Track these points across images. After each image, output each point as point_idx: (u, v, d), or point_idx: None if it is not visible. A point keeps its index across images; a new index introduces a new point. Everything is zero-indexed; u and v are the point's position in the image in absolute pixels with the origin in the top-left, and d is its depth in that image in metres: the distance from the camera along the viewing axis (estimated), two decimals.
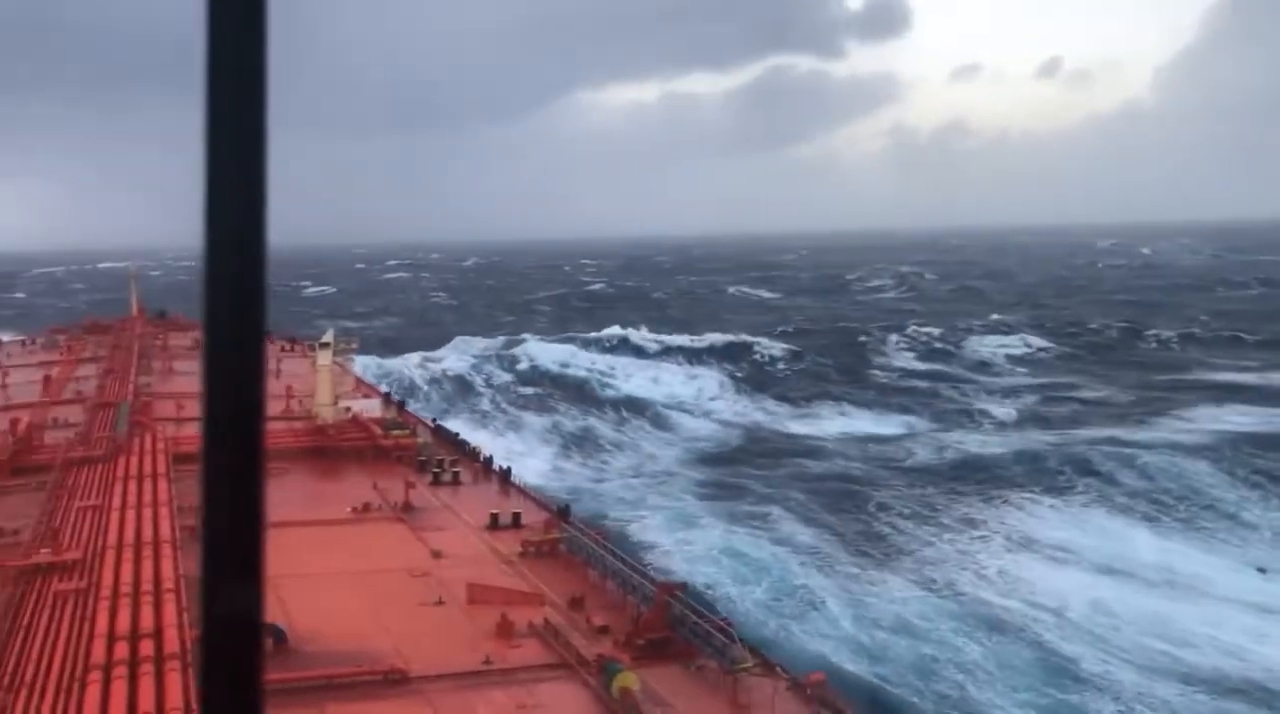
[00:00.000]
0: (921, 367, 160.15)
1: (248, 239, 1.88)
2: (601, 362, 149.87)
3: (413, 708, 33.14)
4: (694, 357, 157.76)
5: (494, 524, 52.93)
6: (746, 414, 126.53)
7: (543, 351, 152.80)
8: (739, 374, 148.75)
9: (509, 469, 64.84)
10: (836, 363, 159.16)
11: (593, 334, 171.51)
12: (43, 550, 42.34)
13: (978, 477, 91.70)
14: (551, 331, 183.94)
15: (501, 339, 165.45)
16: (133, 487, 51.66)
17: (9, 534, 47.74)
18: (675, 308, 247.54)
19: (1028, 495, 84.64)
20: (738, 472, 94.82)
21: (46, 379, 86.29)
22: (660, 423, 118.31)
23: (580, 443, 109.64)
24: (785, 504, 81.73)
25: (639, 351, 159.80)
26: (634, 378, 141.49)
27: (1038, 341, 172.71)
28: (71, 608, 36.72)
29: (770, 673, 36.90)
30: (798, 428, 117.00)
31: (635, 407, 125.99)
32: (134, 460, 56.84)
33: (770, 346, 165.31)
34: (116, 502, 48.92)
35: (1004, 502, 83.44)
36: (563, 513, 54.02)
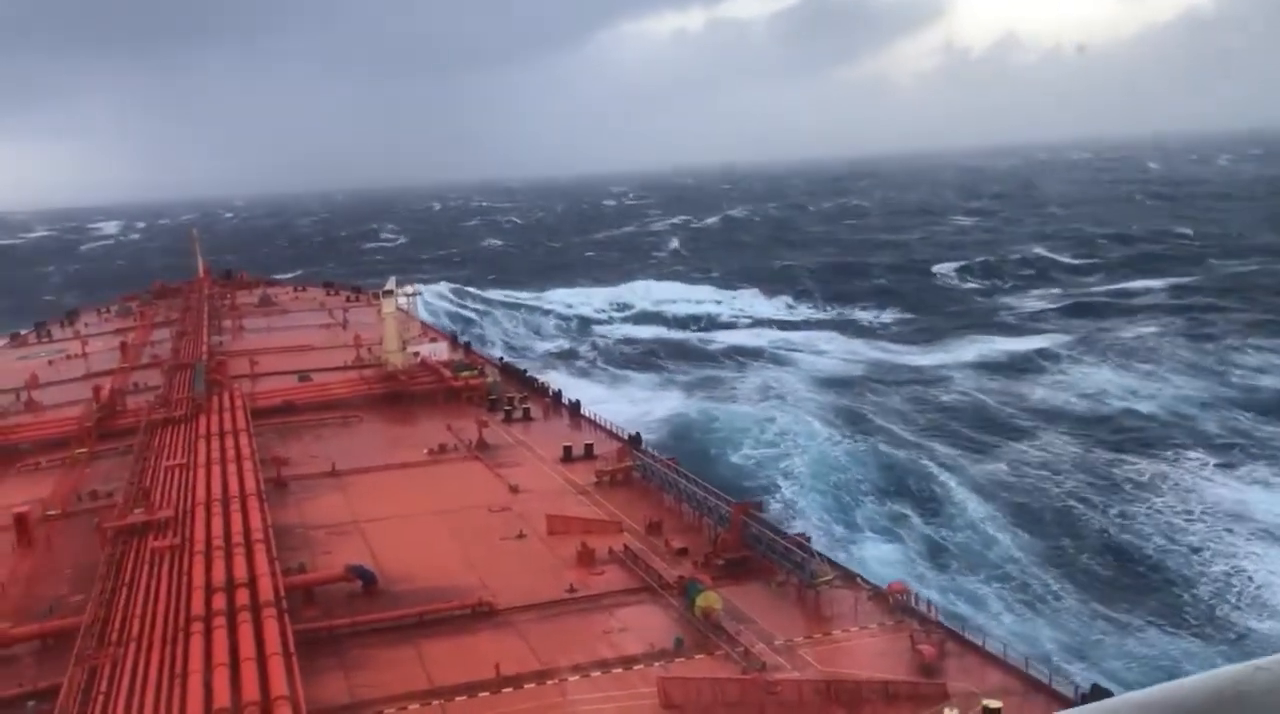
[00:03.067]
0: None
1: None
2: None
3: (503, 639, 33.95)
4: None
5: (567, 457, 53.61)
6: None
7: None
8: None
9: (578, 402, 65.37)
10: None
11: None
12: (136, 510, 43.85)
13: None
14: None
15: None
16: (215, 443, 53.08)
17: (103, 496, 49.46)
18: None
19: None
20: None
21: (123, 345, 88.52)
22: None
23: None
24: None
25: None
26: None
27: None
28: (168, 563, 38.06)
29: (851, 585, 37.14)
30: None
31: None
32: (214, 418, 58.29)
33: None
34: (201, 459, 50.33)
35: None
36: (634, 441, 54.48)
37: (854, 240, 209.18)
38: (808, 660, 31.79)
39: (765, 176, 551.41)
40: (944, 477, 68.25)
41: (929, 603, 36.04)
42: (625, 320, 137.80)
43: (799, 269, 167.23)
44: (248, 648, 30.48)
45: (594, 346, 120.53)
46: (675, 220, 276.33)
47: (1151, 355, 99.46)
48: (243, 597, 33.91)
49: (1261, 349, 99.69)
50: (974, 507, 63.84)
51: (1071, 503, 65.00)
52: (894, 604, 35.28)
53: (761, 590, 37.03)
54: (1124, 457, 72.11)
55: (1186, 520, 60.76)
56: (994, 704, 27.10)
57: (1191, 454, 72.54)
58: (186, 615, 33.18)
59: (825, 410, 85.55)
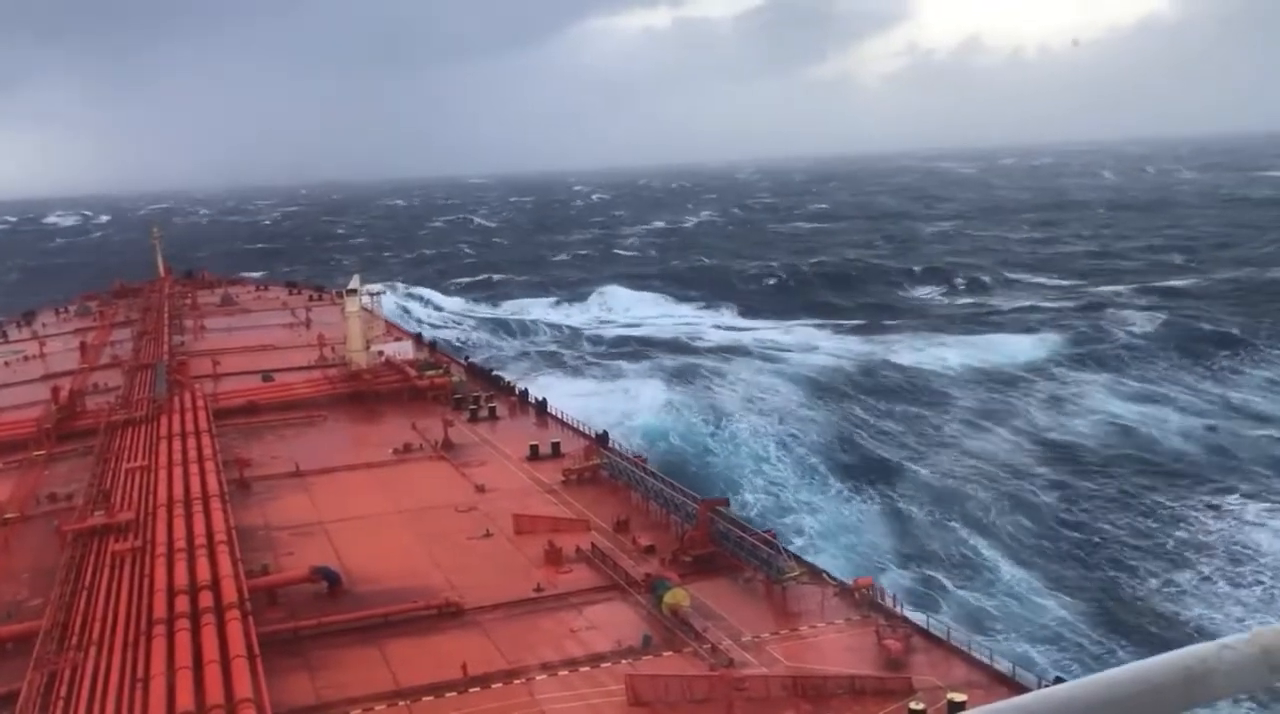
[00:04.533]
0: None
1: None
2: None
3: (470, 639, 33.82)
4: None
5: (534, 455, 53.48)
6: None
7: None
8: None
9: (544, 401, 65.23)
10: None
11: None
12: (97, 513, 43.27)
13: None
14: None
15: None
16: (177, 445, 52.50)
17: (62, 499, 48.77)
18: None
19: None
20: None
21: (83, 346, 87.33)
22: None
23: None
24: None
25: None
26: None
27: None
28: (130, 566, 37.58)
29: (818, 580, 37.31)
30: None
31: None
32: (176, 419, 57.65)
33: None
34: (163, 460, 49.77)
35: None
36: (601, 439, 54.43)
37: (830, 244, 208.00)
38: (775, 656, 31.91)
39: (727, 177, 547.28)
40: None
41: (895, 597, 36.29)
42: (595, 337, 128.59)
43: (764, 271, 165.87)
44: (211, 650, 30.18)
45: (575, 356, 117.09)
46: (646, 225, 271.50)
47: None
48: (206, 599, 33.57)
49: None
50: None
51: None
52: (860, 599, 35.49)
53: (729, 587, 37.14)
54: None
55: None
56: (959, 697, 27.35)
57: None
58: (148, 618, 32.80)
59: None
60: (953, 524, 61.99)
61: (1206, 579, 55.27)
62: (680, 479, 48.09)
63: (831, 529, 60.63)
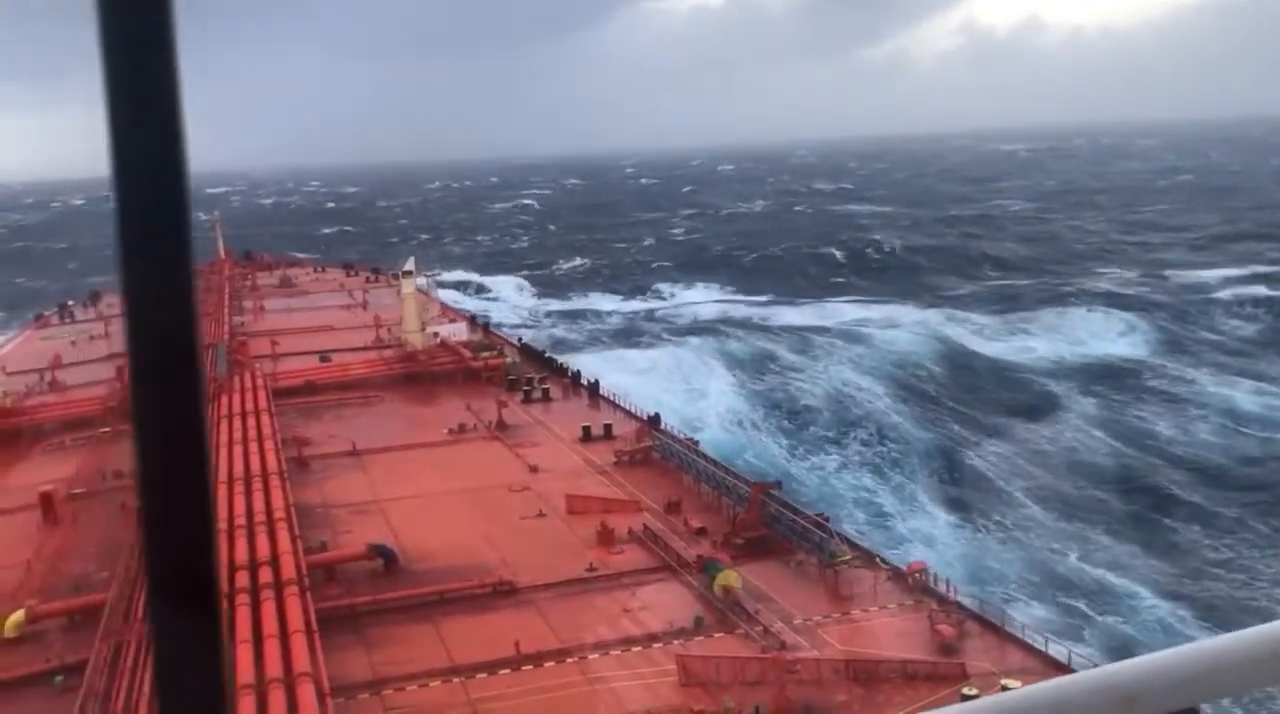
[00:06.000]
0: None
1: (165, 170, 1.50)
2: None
3: (523, 617, 34.17)
4: None
5: (587, 436, 53.75)
6: None
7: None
8: None
9: (597, 382, 65.47)
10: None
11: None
12: None
13: None
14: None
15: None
16: (238, 423, 53.46)
17: (127, 476, 49.88)
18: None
19: None
20: None
21: None
22: None
23: None
24: None
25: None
26: None
27: None
28: None
29: (870, 565, 37.18)
30: None
31: None
32: (236, 398, 58.69)
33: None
34: (224, 438, 50.71)
35: None
36: (653, 421, 54.56)
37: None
38: (827, 640, 31.89)
39: (781, 158, 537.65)
40: None
41: (948, 583, 36.06)
42: (649, 326, 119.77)
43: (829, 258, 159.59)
44: (270, 625, 30.80)
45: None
46: (699, 209, 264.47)
47: None
48: (265, 575, 34.23)
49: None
50: None
51: None
52: (913, 584, 35.34)
53: (780, 570, 37.13)
54: None
55: None
56: (1013, 684, 27.14)
57: None
58: None
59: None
60: (1071, 546, 55.98)
61: None
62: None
63: (949, 558, 53.59)
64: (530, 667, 30.71)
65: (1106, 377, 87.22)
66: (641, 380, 78.42)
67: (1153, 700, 2.29)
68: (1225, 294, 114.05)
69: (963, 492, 63.70)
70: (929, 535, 57.14)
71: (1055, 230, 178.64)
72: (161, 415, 1.53)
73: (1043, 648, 31.04)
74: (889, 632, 32.51)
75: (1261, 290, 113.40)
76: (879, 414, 78.08)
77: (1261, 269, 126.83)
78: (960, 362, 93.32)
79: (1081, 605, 49.14)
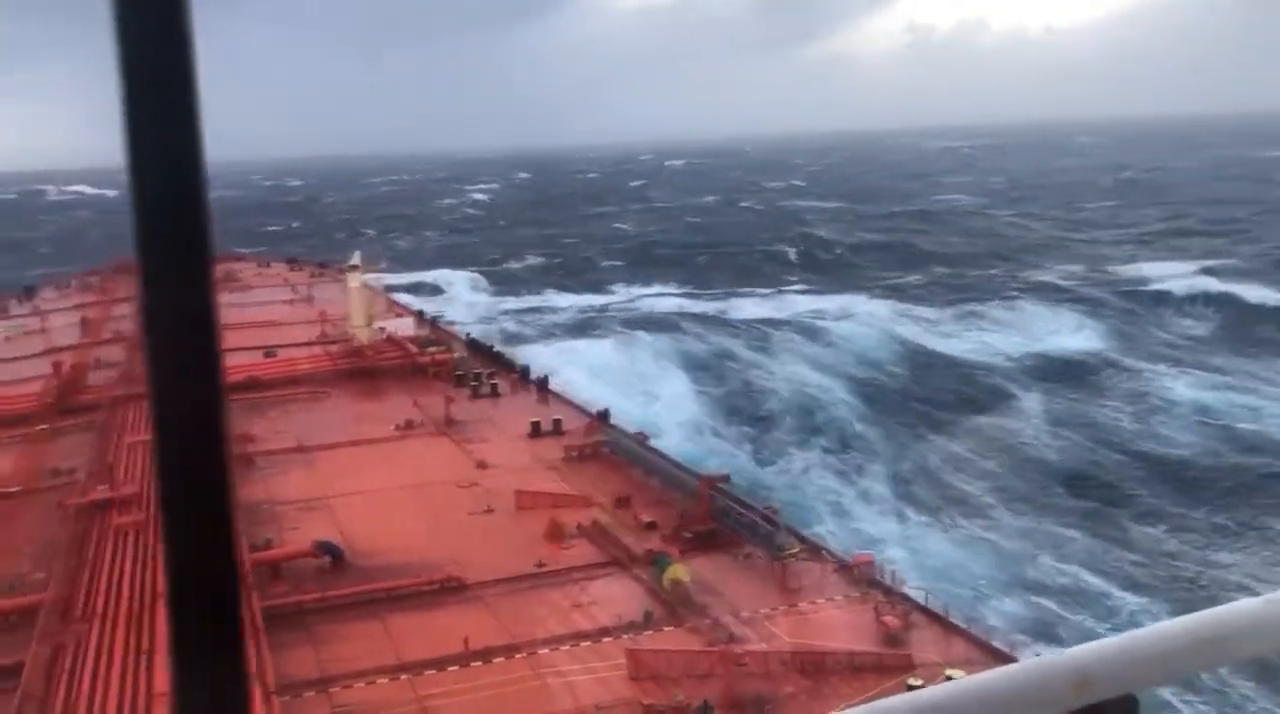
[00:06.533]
0: None
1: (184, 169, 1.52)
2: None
3: (472, 613, 34.04)
4: None
5: (536, 432, 53.61)
6: None
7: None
8: None
9: (546, 377, 65.32)
10: None
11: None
12: (100, 487, 43.46)
13: None
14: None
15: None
16: None
17: (65, 474, 48.97)
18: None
19: None
20: None
21: (84, 321, 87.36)
22: None
23: None
24: None
25: None
26: None
27: None
28: (133, 540, 37.81)
29: (817, 557, 37.52)
30: None
31: None
32: None
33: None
34: None
35: None
36: (602, 416, 54.56)
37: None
38: (775, 632, 32.12)
39: (731, 154, 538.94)
40: None
41: (894, 574, 36.48)
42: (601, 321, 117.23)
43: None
44: None
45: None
46: (648, 203, 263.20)
47: None
48: None
49: None
50: None
51: None
52: (859, 576, 35.69)
53: (729, 563, 37.34)
54: None
55: None
56: (957, 674, 27.50)
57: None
58: (152, 592, 33.02)
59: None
60: (1045, 548, 55.25)
61: None
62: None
63: (922, 559, 53.18)
64: (479, 663, 30.60)
65: (1063, 371, 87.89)
66: (597, 382, 77.07)
67: (1101, 685, 2.33)
68: (1172, 287, 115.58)
69: (927, 489, 63.67)
70: (897, 534, 57.15)
71: (1002, 226, 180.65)
72: (183, 413, 1.51)
73: (986, 638, 31.51)
74: (836, 623, 32.81)
75: (1210, 284, 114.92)
76: (839, 412, 77.97)
77: (1208, 263, 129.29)
78: (918, 358, 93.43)
79: (1045, 601, 49.29)
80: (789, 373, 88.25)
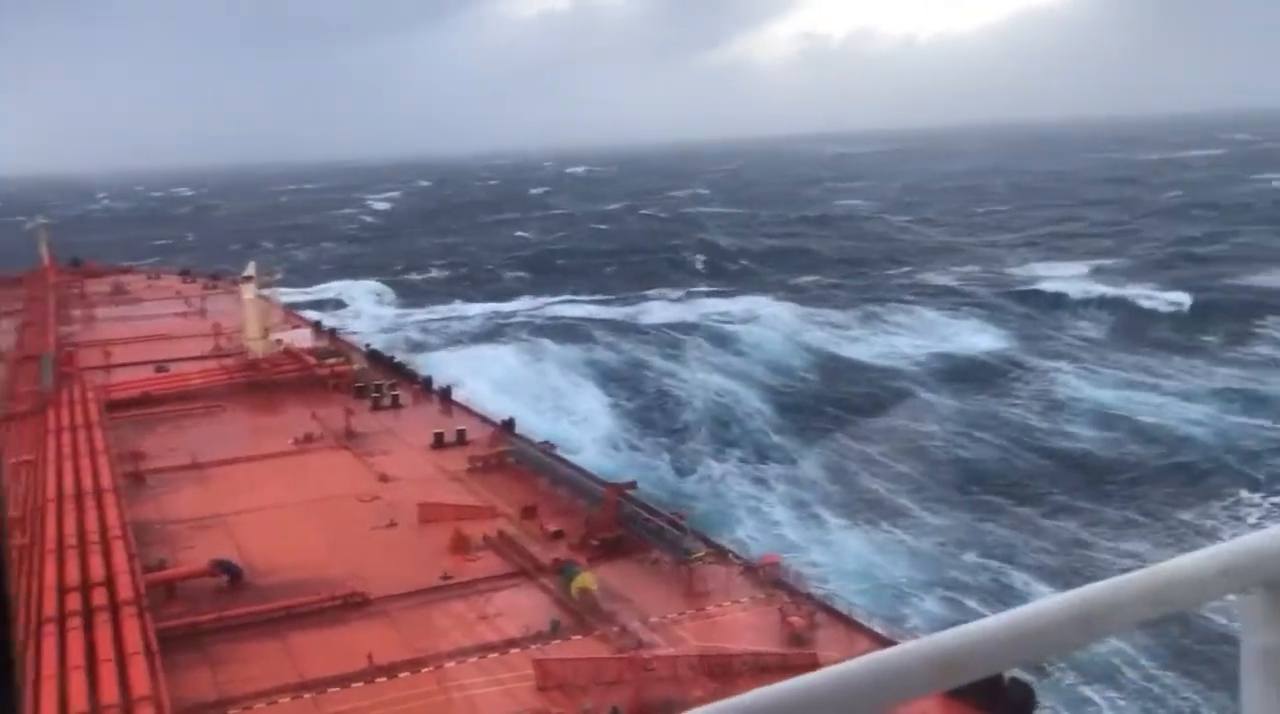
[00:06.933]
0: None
1: None
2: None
3: (376, 628, 33.49)
4: None
5: (439, 443, 53.00)
6: None
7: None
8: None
9: (449, 388, 64.66)
10: None
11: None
12: None
13: None
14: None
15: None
16: (66, 438, 50.79)
17: None
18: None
19: None
20: None
21: None
22: None
23: None
24: None
25: None
26: None
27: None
28: (18, 564, 36.34)
29: (724, 560, 37.80)
30: None
31: None
32: (64, 412, 55.77)
33: None
34: (51, 455, 48.12)
35: None
36: (507, 426, 54.21)
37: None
38: (682, 636, 32.28)
39: (633, 161, 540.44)
40: None
41: (800, 575, 36.96)
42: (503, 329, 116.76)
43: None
44: (106, 649, 29.39)
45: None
46: (548, 211, 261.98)
47: None
48: (99, 596, 32.63)
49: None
50: None
51: None
52: (765, 577, 36.07)
53: (637, 569, 37.41)
54: None
55: None
56: None
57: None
58: (38, 618, 31.75)
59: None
60: (970, 545, 56.13)
61: None
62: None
63: (848, 566, 53.70)
64: (384, 679, 30.11)
65: (968, 372, 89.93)
66: (506, 396, 75.71)
67: (967, 667, 2.40)
68: (1068, 288, 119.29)
69: (845, 492, 64.18)
70: (817, 537, 57.67)
71: (898, 231, 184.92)
72: None
73: (888, 635, 32.10)
74: (742, 625, 33.11)
75: (1102, 286, 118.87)
76: (754, 421, 78.39)
77: (1099, 262, 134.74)
78: (828, 364, 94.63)
79: (964, 597, 50.22)
80: (702, 381, 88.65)
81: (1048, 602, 2.59)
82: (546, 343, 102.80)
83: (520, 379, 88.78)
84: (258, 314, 71.23)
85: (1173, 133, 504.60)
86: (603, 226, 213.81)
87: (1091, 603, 2.58)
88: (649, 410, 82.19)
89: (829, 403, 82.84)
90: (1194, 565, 2.76)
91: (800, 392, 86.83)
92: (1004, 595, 50.70)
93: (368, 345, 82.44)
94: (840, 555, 55.04)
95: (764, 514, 61.36)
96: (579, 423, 77.55)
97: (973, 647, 2.44)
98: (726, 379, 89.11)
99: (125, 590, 33.01)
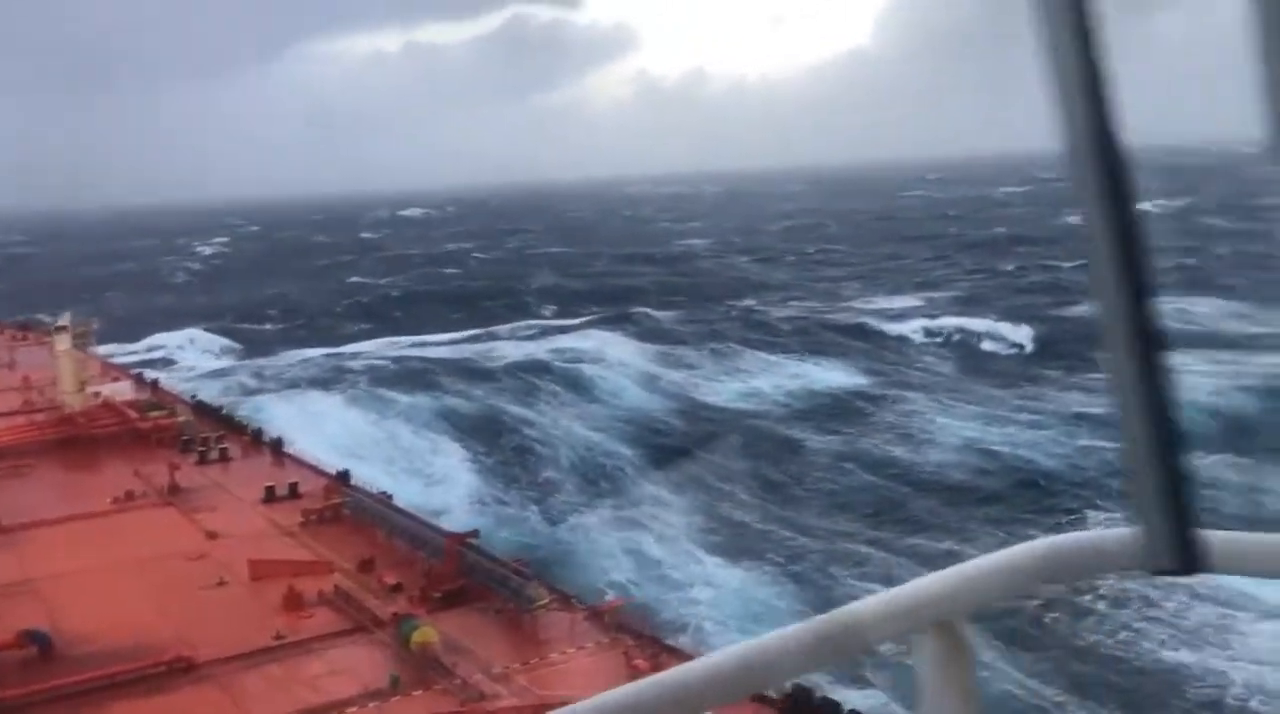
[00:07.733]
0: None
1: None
2: None
3: (205, 694, 31.94)
4: None
5: (270, 497, 51.13)
6: None
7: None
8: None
9: (280, 439, 62.57)
10: None
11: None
12: None
13: None
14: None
15: None
16: None
17: None
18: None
19: None
20: None
21: None
22: None
23: None
24: None
25: None
26: None
27: None
28: None
29: (568, 606, 37.58)
30: None
31: None
32: None
33: None
34: None
35: None
36: (342, 477, 52.75)
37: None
38: (525, 685, 31.87)
39: (464, 201, 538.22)
40: None
41: (645, 619, 37.06)
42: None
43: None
44: None
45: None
46: (379, 255, 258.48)
47: None
48: None
49: None
50: None
51: None
52: (609, 622, 36.03)
53: (479, 620, 36.82)
54: None
55: None
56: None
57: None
58: None
59: None
60: (843, 574, 56.64)
61: None
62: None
63: (725, 600, 53.31)
64: None
65: (829, 409, 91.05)
66: (356, 460, 71.95)
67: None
68: (913, 323, 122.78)
69: (724, 533, 63.34)
70: (700, 575, 56.87)
71: (741, 268, 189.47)
72: None
73: None
74: (586, 671, 32.90)
75: (946, 321, 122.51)
76: (623, 469, 77.51)
77: (933, 295, 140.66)
78: (690, 410, 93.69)
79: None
80: (565, 428, 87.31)
81: (715, 655, 2.73)
82: (391, 393, 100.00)
83: (368, 438, 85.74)
84: (72, 366, 67.54)
85: (981, 169, 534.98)
86: (443, 269, 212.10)
87: (765, 652, 2.74)
88: (509, 465, 79.55)
89: (696, 445, 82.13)
90: (870, 610, 2.99)
91: (667, 438, 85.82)
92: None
93: (194, 396, 79.12)
94: (721, 590, 54.63)
95: (643, 553, 61.03)
96: (438, 483, 75.59)
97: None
98: (586, 427, 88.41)
99: None
